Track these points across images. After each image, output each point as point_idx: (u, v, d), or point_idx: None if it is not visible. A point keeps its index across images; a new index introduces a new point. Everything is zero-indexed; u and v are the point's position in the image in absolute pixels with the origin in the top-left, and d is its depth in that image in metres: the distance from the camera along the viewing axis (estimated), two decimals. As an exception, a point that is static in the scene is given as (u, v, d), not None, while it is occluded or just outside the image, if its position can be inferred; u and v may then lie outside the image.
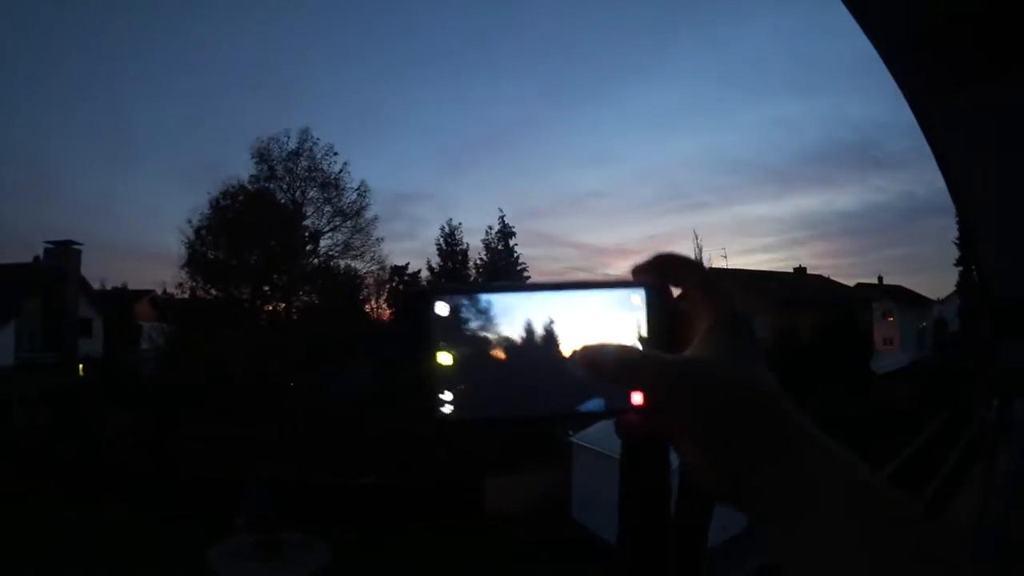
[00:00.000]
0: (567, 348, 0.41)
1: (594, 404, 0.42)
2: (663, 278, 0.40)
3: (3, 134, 33.99)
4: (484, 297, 0.42)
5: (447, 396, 0.40)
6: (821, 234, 48.33)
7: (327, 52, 37.94)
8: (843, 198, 48.31)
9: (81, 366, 19.97)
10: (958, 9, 0.89)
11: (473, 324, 0.41)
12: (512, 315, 0.41)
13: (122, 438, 15.45)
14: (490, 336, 0.41)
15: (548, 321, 0.42)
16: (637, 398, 0.40)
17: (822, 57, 38.42)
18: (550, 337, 0.41)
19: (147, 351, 17.55)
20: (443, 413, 0.39)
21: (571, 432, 13.49)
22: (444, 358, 0.40)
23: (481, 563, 12.25)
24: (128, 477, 13.75)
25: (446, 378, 0.40)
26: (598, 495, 11.63)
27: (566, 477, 13.27)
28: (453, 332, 0.40)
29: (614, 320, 0.42)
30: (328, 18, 36.84)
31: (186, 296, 16.00)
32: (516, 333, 0.41)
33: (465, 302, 0.41)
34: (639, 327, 0.41)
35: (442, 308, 0.40)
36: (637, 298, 0.41)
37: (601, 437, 12.28)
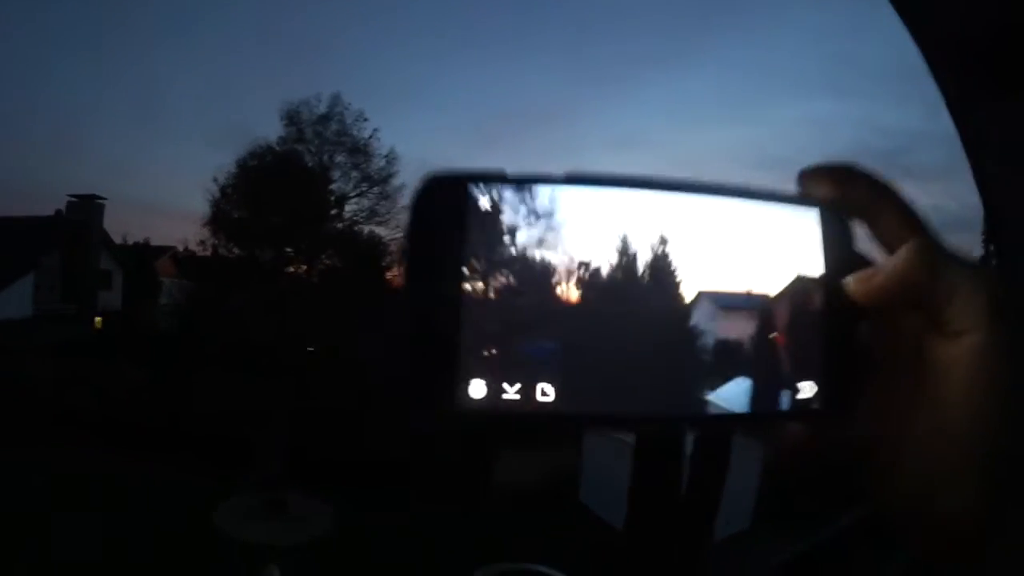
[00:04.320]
0: (697, 288, 0.26)
1: (740, 394, 0.26)
2: (846, 196, 0.29)
3: (29, 87, 34.17)
4: (562, 192, 0.26)
5: (477, 368, 0.23)
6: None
7: (363, 18, 37.71)
8: None
9: (99, 319, 20.14)
10: (1011, 17, 0.82)
11: (533, 236, 0.25)
12: (610, 225, 0.26)
13: (135, 391, 15.58)
14: (565, 262, 0.25)
15: (668, 240, 0.26)
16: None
17: (860, 59, 37.90)
18: (669, 267, 0.26)
19: (166, 305, 17.68)
20: (470, 399, 0.23)
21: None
22: (476, 291, 0.24)
23: (480, 538, 12.31)
24: (139, 430, 13.87)
25: (481, 331, 0.24)
26: (607, 476, 11.70)
27: (576, 456, 13.36)
28: (498, 249, 0.24)
29: (772, 247, 0.28)
30: None
31: (208, 254, 16.07)
32: (613, 259, 0.26)
33: (523, 196, 0.25)
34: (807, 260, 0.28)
35: (481, 201, 0.25)
36: (806, 218, 0.28)
37: None
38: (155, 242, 21.36)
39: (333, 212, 15.93)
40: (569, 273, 0.25)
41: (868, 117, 43.14)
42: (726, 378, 0.26)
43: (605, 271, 0.25)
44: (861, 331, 0.27)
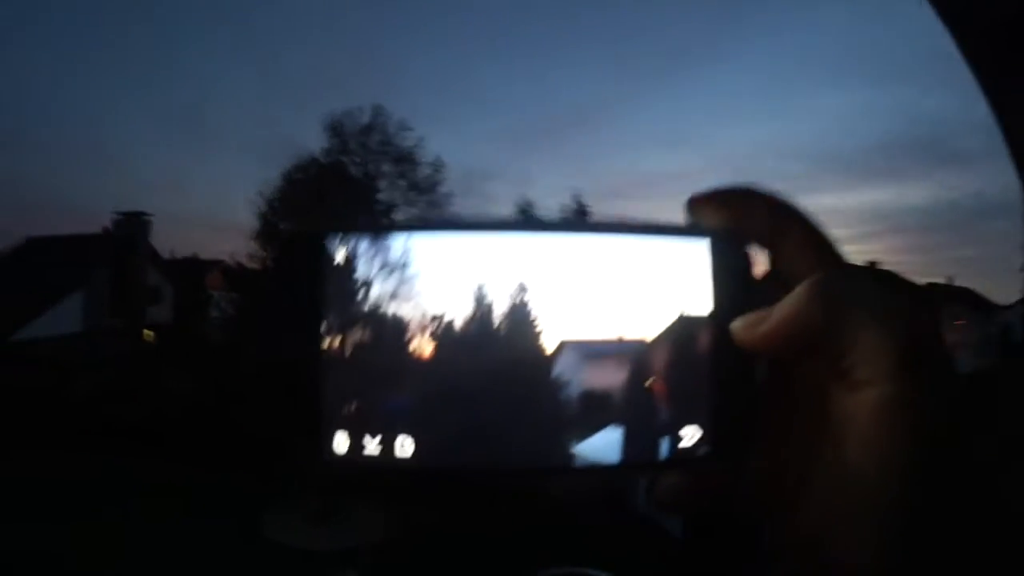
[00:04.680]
0: (560, 337, 0.24)
1: (610, 444, 0.24)
2: (743, 223, 0.25)
3: (73, 104, 35.24)
4: (416, 240, 0.24)
5: (339, 422, 0.24)
6: (892, 228, 46.66)
7: (402, 27, 38.06)
8: (914, 193, 46.66)
9: (149, 332, 20.48)
10: None
11: (387, 289, 0.24)
12: (466, 273, 0.24)
13: (185, 403, 15.70)
14: (418, 315, 0.24)
15: (529, 286, 0.24)
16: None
17: (896, 46, 37.20)
18: (529, 316, 0.24)
19: (216, 319, 17.86)
20: (333, 453, 0.24)
21: None
22: (335, 346, 0.23)
23: (543, 541, 12.11)
24: (188, 441, 13.96)
25: (341, 386, 0.23)
26: None
27: None
28: (354, 304, 0.24)
29: (652, 285, 0.25)
30: None
31: (257, 267, 16.17)
32: (468, 309, 0.24)
33: (381, 246, 0.24)
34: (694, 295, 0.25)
35: (337, 256, 0.24)
36: (694, 251, 0.25)
37: None
38: (204, 256, 21.73)
39: (382, 221, 15.93)
40: (423, 326, 0.24)
41: (906, 104, 41.93)
42: (595, 428, 0.25)
43: (460, 322, 0.25)
44: (754, 372, 0.25)
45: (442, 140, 34.62)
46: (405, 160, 15.71)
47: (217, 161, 36.53)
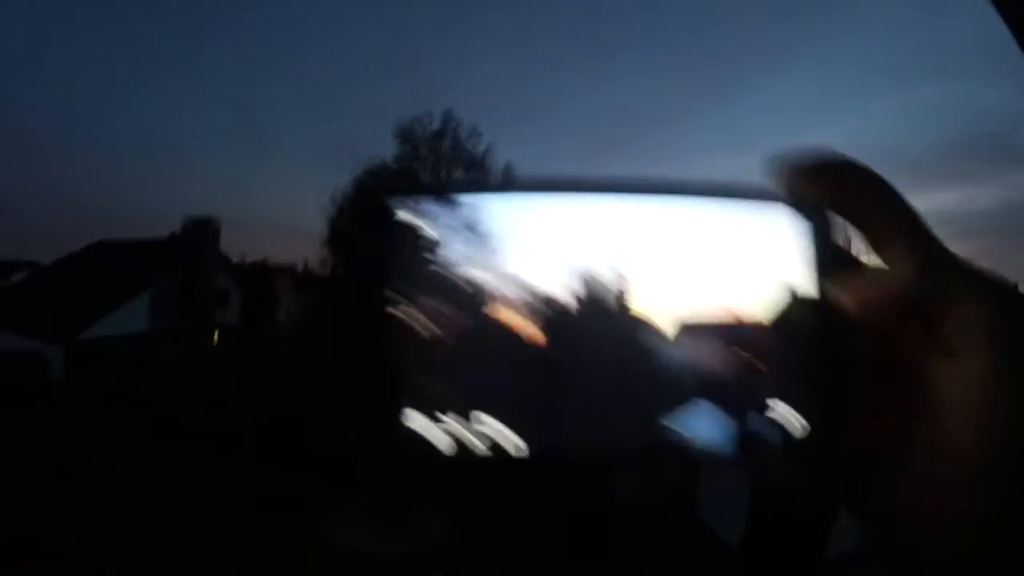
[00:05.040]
0: (657, 309, 0.23)
1: (713, 424, 0.23)
2: (840, 200, 0.24)
3: (148, 112, 36.61)
4: (498, 204, 0.23)
5: (415, 397, 0.22)
6: (959, 232, 45.00)
7: (469, 35, 38.85)
8: (982, 194, 44.87)
9: (216, 332, 21.05)
10: None
11: (472, 255, 0.22)
12: (556, 240, 0.23)
13: (254, 406, 15.99)
14: (508, 280, 0.22)
15: (625, 255, 0.23)
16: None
17: (956, 40, 35.84)
18: (625, 287, 0.23)
19: (284, 323, 18.22)
20: (407, 429, 0.22)
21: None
22: (412, 317, 0.22)
23: (600, 547, 11.91)
24: (257, 444, 14.23)
25: (418, 362, 0.22)
26: (726, 494, 11.24)
27: (697, 471, 12.92)
28: (434, 270, 0.22)
29: (745, 256, 0.24)
30: (470, 3, 37.57)
31: (327, 274, 16.43)
32: (564, 279, 0.22)
33: (463, 209, 0.23)
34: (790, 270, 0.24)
35: (415, 218, 0.22)
36: (787, 225, 0.24)
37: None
38: (274, 260, 22.22)
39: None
40: (511, 297, 0.23)
41: (968, 100, 40.29)
42: (695, 406, 0.24)
43: (553, 293, 0.23)
44: (851, 343, 0.24)
45: (510, 147, 35.15)
46: (476, 166, 15.80)
47: (287, 168, 37.66)
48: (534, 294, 0.22)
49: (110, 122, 38.66)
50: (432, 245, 0.22)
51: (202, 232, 21.54)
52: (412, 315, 0.21)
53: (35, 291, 23.06)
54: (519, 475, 13.41)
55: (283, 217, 42.49)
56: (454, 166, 15.75)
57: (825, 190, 0.24)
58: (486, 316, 0.22)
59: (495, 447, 0.22)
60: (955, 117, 42.81)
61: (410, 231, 0.22)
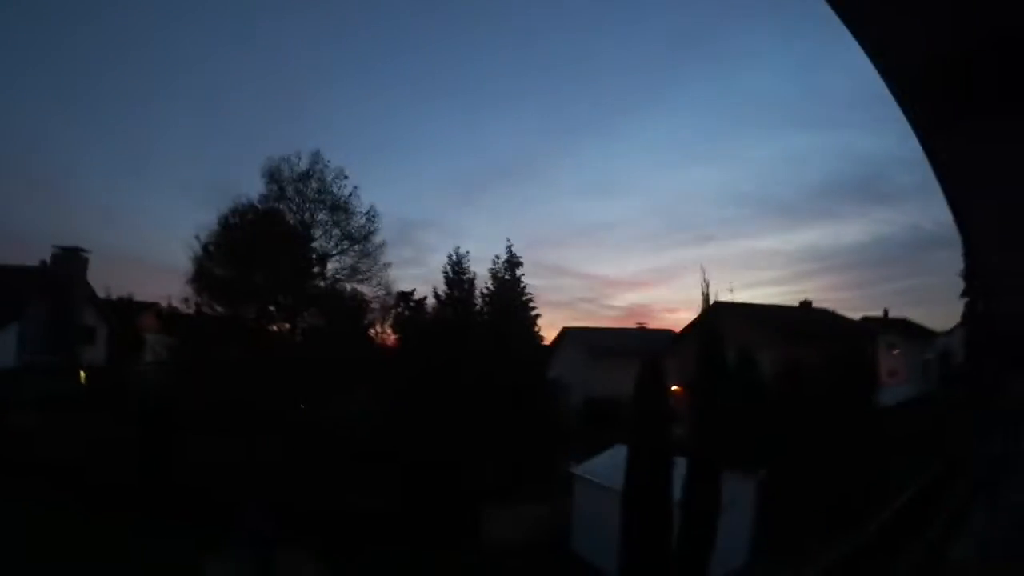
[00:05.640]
0: None
1: None
2: None
3: (16, 137, 34.35)
4: None
5: None
6: (828, 267, 48.88)
7: (341, 78, 38.60)
8: (850, 231, 48.83)
9: (83, 373, 19.99)
10: (964, 44, 0.90)
11: None
12: None
13: (120, 447, 15.40)
14: None
15: None
16: None
17: (827, 92, 38.96)
18: None
19: (150, 363, 17.53)
20: None
21: (572, 464, 13.52)
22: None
23: None
24: (125, 488, 13.71)
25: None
26: (598, 526, 11.66)
27: (564, 508, 13.28)
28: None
29: None
30: (344, 45, 37.37)
31: (191, 311, 15.99)
32: None
33: None
34: None
35: None
36: None
37: (602, 470, 12.33)
38: (139, 297, 21.43)
39: (315, 270, 15.91)
40: None
41: (841, 147, 43.95)
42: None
43: None
44: None
45: (376, 190, 35.30)
46: (340, 209, 15.81)
47: (156, 200, 36.19)
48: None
49: None
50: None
51: (72, 262, 20.53)
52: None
53: None
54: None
55: (149, 251, 41.21)
56: (319, 208, 15.78)
57: None
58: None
59: None
60: (827, 162, 46.33)
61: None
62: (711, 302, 10.25)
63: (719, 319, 10.47)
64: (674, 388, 13.29)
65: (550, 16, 36.06)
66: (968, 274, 23.13)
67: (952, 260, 30.96)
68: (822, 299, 40.34)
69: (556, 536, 13.00)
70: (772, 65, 37.89)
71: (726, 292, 23.59)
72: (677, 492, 9.12)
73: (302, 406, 15.90)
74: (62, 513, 12.49)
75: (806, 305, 28.57)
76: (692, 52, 39.30)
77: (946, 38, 0.93)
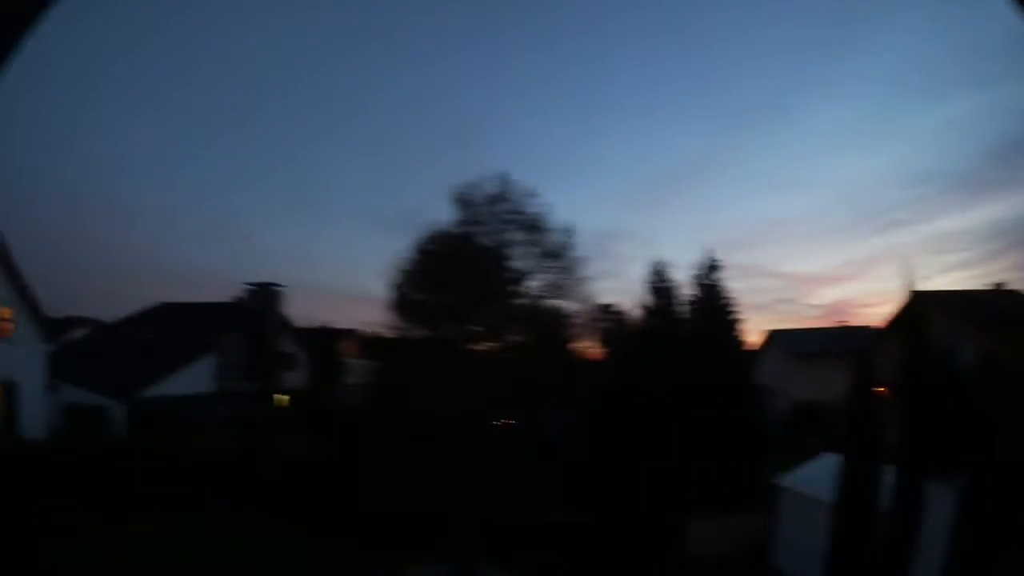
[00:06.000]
0: None
1: None
2: None
3: (208, 182, 38.49)
4: None
5: None
6: (1016, 242, 43.41)
7: (516, 98, 40.03)
8: None
9: (282, 396, 21.69)
10: None
11: None
12: None
13: (323, 466, 16.29)
14: None
15: None
16: None
17: (974, 47, 34.94)
18: None
19: (351, 385, 18.62)
20: None
21: (777, 474, 12.84)
22: None
23: None
24: (329, 504, 14.50)
25: None
26: (802, 539, 11.03)
27: (768, 520, 12.65)
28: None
29: None
30: (517, 65, 38.66)
31: (392, 335, 16.79)
32: None
33: None
34: None
35: None
36: None
37: (808, 480, 11.56)
38: (337, 325, 22.95)
39: (515, 288, 16.20)
40: None
41: (1006, 102, 39.03)
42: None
43: None
44: None
45: (565, 206, 35.92)
46: (535, 227, 16.12)
47: (345, 235, 38.85)
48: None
49: (172, 188, 40.68)
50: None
51: (265, 296, 22.43)
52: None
53: (98, 348, 24.00)
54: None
55: (344, 282, 44.00)
56: (513, 228, 16.07)
57: None
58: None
59: None
60: (995, 123, 41.55)
61: None
62: (909, 293, 9.33)
63: (920, 311, 9.51)
64: (884, 388, 12.39)
65: (702, 9, 35.60)
66: None
67: None
68: (1014, 279, 35.99)
69: (760, 550, 12.56)
70: (925, 23, 34.72)
71: (922, 280, 21.66)
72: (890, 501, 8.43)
73: (506, 421, 16.17)
74: (267, 530, 13.35)
75: (999, 287, 25.60)
76: (838, 26, 37.01)
77: None
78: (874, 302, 50.34)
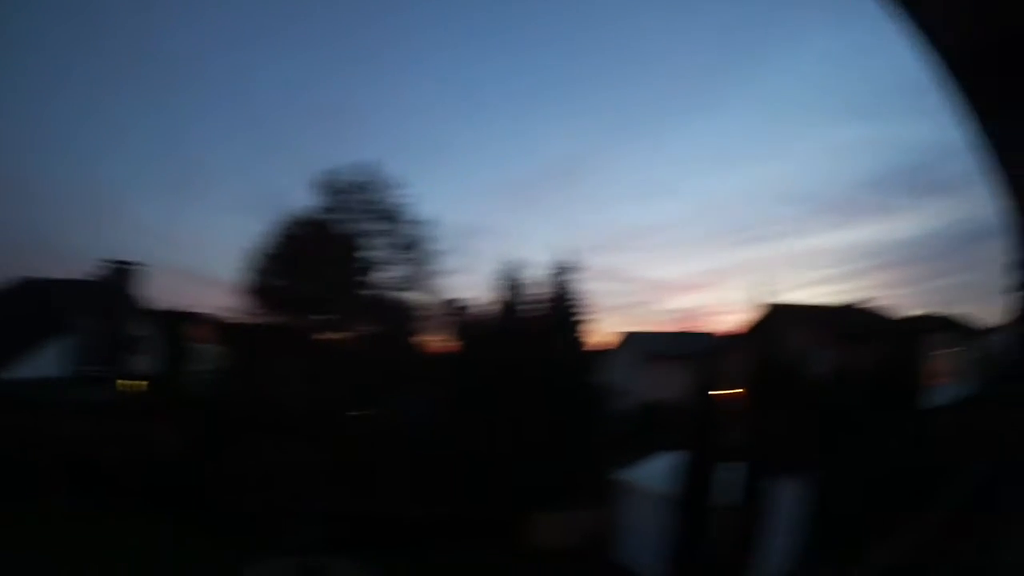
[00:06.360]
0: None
1: None
2: None
3: (72, 150, 35.18)
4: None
5: None
6: (880, 264, 47.46)
7: (391, 86, 38.74)
8: (901, 226, 47.35)
9: (133, 382, 20.25)
10: (1017, 24, 0.86)
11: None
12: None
13: (171, 455, 15.49)
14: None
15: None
16: None
17: (875, 80, 37.80)
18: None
19: (201, 372, 17.67)
20: None
21: (620, 470, 13.33)
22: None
23: None
24: (175, 494, 13.79)
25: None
26: (645, 532, 11.52)
27: (612, 513, 13.14)
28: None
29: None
30: (392, 53, 37.46)
31: (244, 321, 16.06)
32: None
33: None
34: None
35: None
36: None
37: (648, 475, 12.09)
38: (191, 309, 21.60)
39: (369, 279, 15.86)
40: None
41: (888, 137, 42.47)
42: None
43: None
44: None
45: (429, 198, 35.47)
46: (393, 218, 15.84)
47: (205, 213, 36.67)
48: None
49: (33, 157, 37.00)
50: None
51: (121, 275, 20.83)
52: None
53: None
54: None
55: (200, 263, 41.77)
56: (373, 219, 15.73)
57: None
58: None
59: None
60: (878, 154, 45.10)
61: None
62: (764, 303, 10.01)
63: (772, 321, 10.22)
64: (729, 391, 13.16)
65: (594, 17, 35.74)
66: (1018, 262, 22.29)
67: (999, 251, 29.84)
68: (876, 297, 39.23)
69: (605, 542, 12.95)
70: (817, 57, 36.95)
71: (778, 293, 23.09)
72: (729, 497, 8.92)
73: (353, 412, 15.88)
74: (110, 520, 12.66)
75: (859, 304, 27.85)
76: (738, 48, 38.56)
77: (998, 18, 0.90)
78: (731, 310, 53.54)
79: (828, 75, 41.22)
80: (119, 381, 19.63)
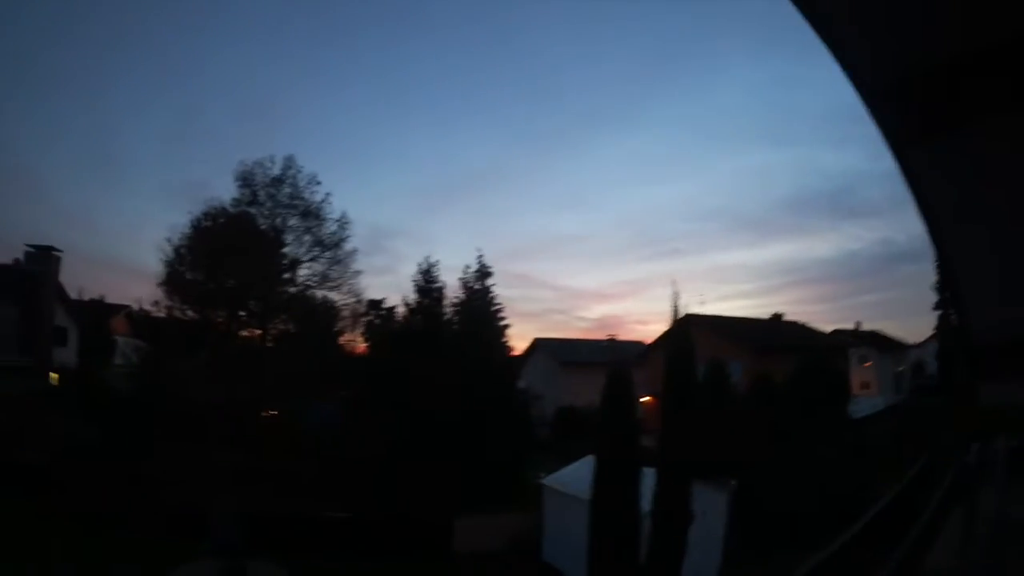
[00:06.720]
0: None
1: None
2: None
3: None
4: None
5: None
6: (798, 281, 49.78)
7: (315, 83, 38.33)
8: (820, 246, 49.97)
9: (54, 375, 19.79)
10: (937, 60, 0.94)
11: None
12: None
13: (88, 452, 15.29)
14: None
15: None
16: None
17: (796, 109, 39.48)
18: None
19: (121, 366, 17.43)
20: None
21: (541, 474, 13.62)
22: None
23: None
24: (90, 493, 13.63)
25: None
26: (568, 535, 11.78)
27: (534, 518, 13.39)
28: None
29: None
30: (319, 51, 37.00)
31: (162, 315, 15.95)
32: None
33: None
34: None
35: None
36: None
37: (570, 480, 12.44)
38: (110, 299, 21.18)
39: (286, 276, 15.93)
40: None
41: (808, 163, 44.41)
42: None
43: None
44: None
45: (348, 198, 35.48)
46: (312, 215, 15.79)
47: (128, 200, 35.50)
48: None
49: None
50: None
51: (44, 262, 20.30)
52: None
53: None
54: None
55: (121, 252, 40.51)
56: (291, 214, 15.80)
57: None
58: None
59: None
60: (796, 177, 46.88)
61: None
62: (681, 314, 10.39)
63: (689, 331, 10.67)
64: (644, 399, 13.41)
65: (522, 29, 36.15)
66: (941, 286, 23.65)
67: (923, 273, 31.54)
68: (793, 312, 40.98)
69: (528, 545, 13.08)
70: (742, 82, 38.26)
71: (697, 304, 23.93)
72: (648, 503, 9.21)
73: (271, 413, 15.89)
74: (28, 518, 12.40)
75: (777, 318, 28.97)
76: (665, 68, 39.50)
77: (922, 50, 0.96)
78: (645, 320, 54.85)
79: (751, 103, 42.58)
80: (46, 372, 19.15)
